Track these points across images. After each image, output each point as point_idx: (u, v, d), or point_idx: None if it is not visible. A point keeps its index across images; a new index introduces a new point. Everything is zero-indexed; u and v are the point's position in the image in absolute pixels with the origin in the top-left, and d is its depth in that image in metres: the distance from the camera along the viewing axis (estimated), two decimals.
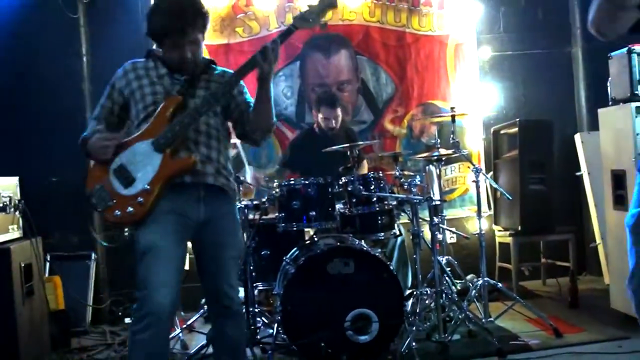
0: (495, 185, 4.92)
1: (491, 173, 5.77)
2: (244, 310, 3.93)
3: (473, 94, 5.99)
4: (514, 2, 6.21)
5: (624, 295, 4.41)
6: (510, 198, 4.65)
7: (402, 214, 4.51)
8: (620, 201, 4.37)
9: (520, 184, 5.30)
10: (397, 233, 4.47)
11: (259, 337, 4.23)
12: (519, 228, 5.31)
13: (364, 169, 5.28)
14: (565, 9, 6.23)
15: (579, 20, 6.12)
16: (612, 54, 4.45)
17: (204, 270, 2.95)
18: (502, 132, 5.76)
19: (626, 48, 4.29)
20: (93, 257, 5.34)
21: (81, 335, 4.89)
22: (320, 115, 5.08)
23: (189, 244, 2.94)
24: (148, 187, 2.75)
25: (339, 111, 5.10)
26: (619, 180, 4.37)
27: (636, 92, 4.23)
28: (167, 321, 2.75)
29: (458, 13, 6.00)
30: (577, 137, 5.81)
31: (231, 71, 3.00)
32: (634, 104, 4.19)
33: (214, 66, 3.04)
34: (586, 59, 6.08)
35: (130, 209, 2.74)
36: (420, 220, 4.26)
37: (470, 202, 5.92)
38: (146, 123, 2.84)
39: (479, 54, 6.07)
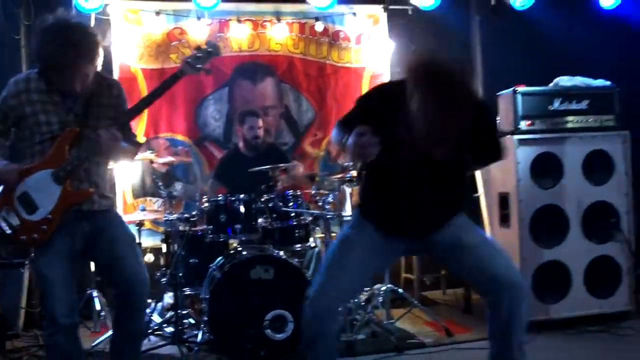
0: None
1: None
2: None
3: None
4: (425, 40, 6.86)
5: None
6: None
7: (318, 227, 5.06)
8: (505, 219, 5.05)
9: None
10: (313, 245, 5.02)
11: (185, 336, 4.69)
12: None
13: (299, 168, 5.81)
14: (468, 47, 6.94)
15: (481, 58, 6.83)
16: (500, 92, 5.15)
17: (109, 267, 3.27)
18: None
19: (512, 88, 5.00)
20: (26, 265, 5.62)
21: (13, 338, 5.18)
22: (245, 127, 5.58)
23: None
24: (50, 216, 3.10)
25: (261, 122, 5.64)
26: (504, 201, 5.05)
27: (519, 126, 4.93)
28: (73, 327, 3.19)
29: (373, 48, 6.64)
30: None
31: (117, 80, 3.40)
32: (516, 137, 4.89)
33: (102, 78, 3.24)
34: (487, 94, 6.76)
35: (35, 235, 3.11)
36: (334, 234, 4.84)
37: None
38: (42, 150, 3.12)
39: None
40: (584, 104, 5.06)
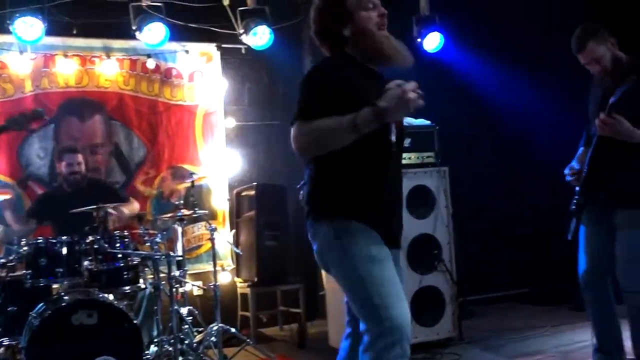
0: (227, 241, 5.56)
1: (234, 231, 6.39)
2: None
3: (220, 159, 6.63)
4: (258, 79, 6.99)
5: (338, 334, 5.21)
6: (239, 252, 5.33)
7: (147, 268, 4.94)
8: None
9: (257, 240, 5.97)
10: (142, 286, 4.88)
11: None
12: (255, 279, 5.96)
13: (133, 205, 5.65)
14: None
15: None
16: None
17: None
18: (243, 194, 6.44)
19: None
20: None
21: None
22: (63, 163, 5.39)
23: None
24: None
25: (80, 157, 5.46)
26: None
27: None
28: None
29: (207, 86, 6.65)
30: None
31: None
32: None
33: None
34: None
35: None
36: (163, 274, 4.74)
37: (216, 257, 6.48)
38: None
39: (226, 123, 6.74)
40: (406, 142, 5.30)
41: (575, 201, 3.93)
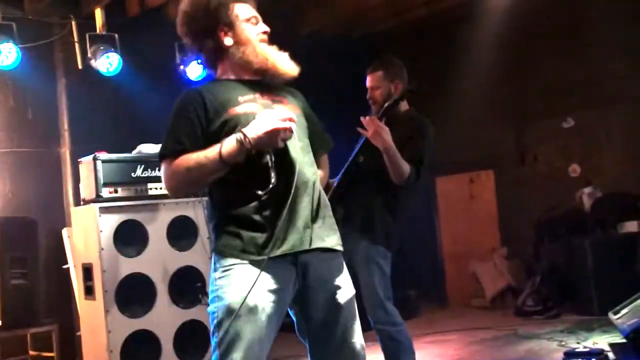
0: None
1: None
2: None
3: None
4: (4, 102, 6.39)
5: None
6: None
7: None
8: (89, 291, 4.84)
9: (1, 279, 5.42)
10: None
11: None
12: (0, 323, 5.39)
13: None
14: (55, 111, 6.63)
15: (68, 123, 6.58)
16: (82, 159, 4.99)
17: None
18: None
19: (92, 155, 4.86)
20: None
21: None
22: None
23: None
24: None
25: None
26: (88, 272, 4.85)
27: (100, 194, 4.80)
28: None
29: None
30: (64, 232, 6.16)
31: None
32: (98, 205, 4.74)
33: None
34: (73, 160, 6.44)
35: None
36: None
37: None
38: None
39: None
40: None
41: None
